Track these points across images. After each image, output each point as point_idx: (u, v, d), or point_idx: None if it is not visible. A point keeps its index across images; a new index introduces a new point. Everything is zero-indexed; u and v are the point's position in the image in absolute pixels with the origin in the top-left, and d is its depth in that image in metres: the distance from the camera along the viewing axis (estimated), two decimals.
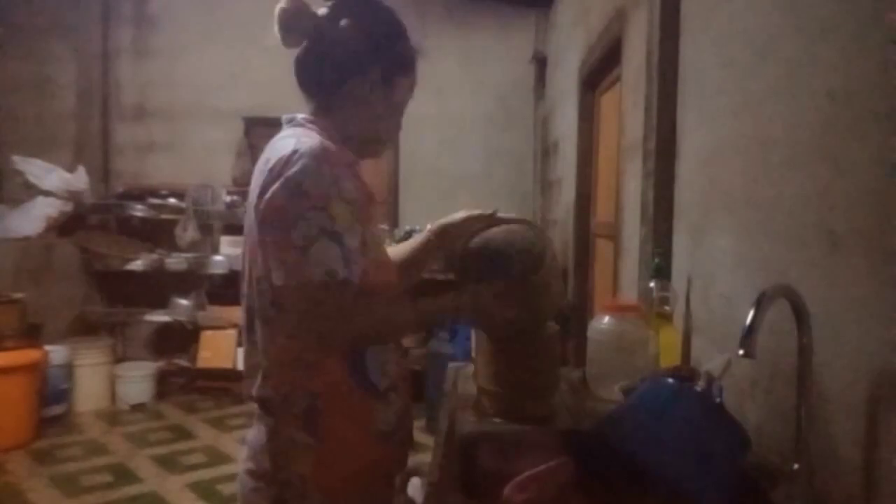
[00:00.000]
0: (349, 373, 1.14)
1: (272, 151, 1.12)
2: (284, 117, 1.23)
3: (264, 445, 1.15)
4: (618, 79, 2.81)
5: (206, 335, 4.74)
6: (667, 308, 1.64)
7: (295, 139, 1.11)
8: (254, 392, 1.17)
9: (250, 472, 1.17)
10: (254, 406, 1.19)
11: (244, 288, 1.19)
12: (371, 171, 5.50)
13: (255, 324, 1.16)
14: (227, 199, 4.99)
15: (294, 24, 1.17)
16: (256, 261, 1.13)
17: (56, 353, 4.17)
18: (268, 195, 1.08)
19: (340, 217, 1.06)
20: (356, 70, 1.19)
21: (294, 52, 1.23)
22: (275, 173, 1.08)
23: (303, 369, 1.13)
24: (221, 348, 4.76)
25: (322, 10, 1.19)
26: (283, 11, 1.16)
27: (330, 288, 1.04)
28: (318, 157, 1.07)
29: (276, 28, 1.17)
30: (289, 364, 1.13)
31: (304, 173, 1.06)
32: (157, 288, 4.92)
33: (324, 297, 1.05)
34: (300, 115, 1.21)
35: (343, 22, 1.18)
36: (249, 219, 1.15)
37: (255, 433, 1.18)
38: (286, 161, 1.07)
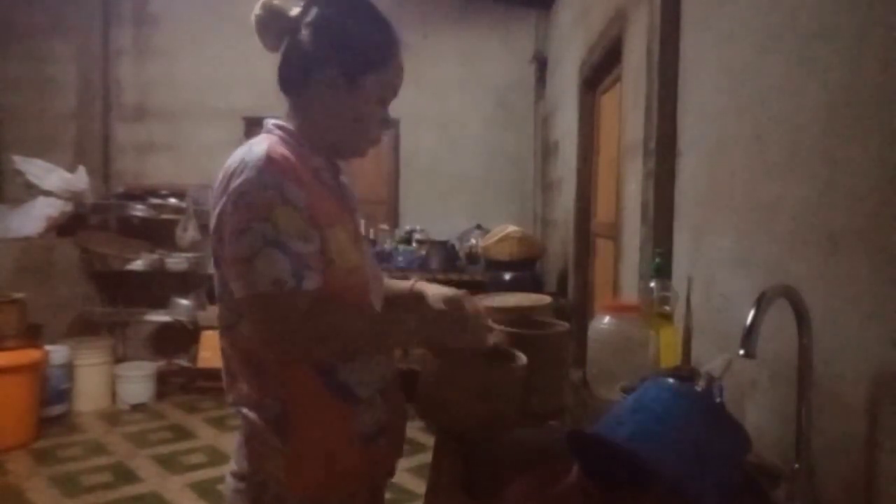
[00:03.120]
0: (321, 380, 1.13)
1: (227, 161, 1.12)
2: (264, 121, 1.22)
3: (242, 447, 1.16)
4: (618, 79, 2.81)
5: (207, 335, 4.74)
6: (667, 308, 1.64)
7: (246, 149, 1.11)
8: (227, 394, 1.18)
9: (233, 473, 1.18)
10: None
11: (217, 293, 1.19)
12: (371, 171, 5.50)
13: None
14: None
15: (268, 28, 1.16)
16: (217, 265, 1.13)
17: (56, 353, 4.17)
18: (217, 209, 1.09)
19: (286, 224, 1.05)
20: (315, 69, 1.15)
21: None
22: (223, 186, 1.08)
23: (270, 376, 1.12)
24: None
25: (295, 11, 1.18)
26: (257, 18, 1.15)
27: (279, 298, 1.03)
28: (261, 167, 1.06)
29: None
30: (256, 370, 1.13)
31: (246, 184, 1.05)
32: (158, 288, 4.92)
33: (274, 308, 1.04)
34: (271, 121, 1.20)
35: (307, 20, 1.16)
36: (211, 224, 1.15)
37: (237, 435, 1.19)
38: (231, 173, 1.08)
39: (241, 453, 1.16)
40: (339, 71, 1.15)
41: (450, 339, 1.20)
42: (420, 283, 1.41)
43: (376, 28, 1.19)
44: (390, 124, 1.25)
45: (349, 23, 1.17)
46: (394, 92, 1.22)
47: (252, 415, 1.13)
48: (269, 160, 1.07)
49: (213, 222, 1.12)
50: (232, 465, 1.19)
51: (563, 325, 1.48)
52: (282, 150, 1.12)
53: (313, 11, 1.16)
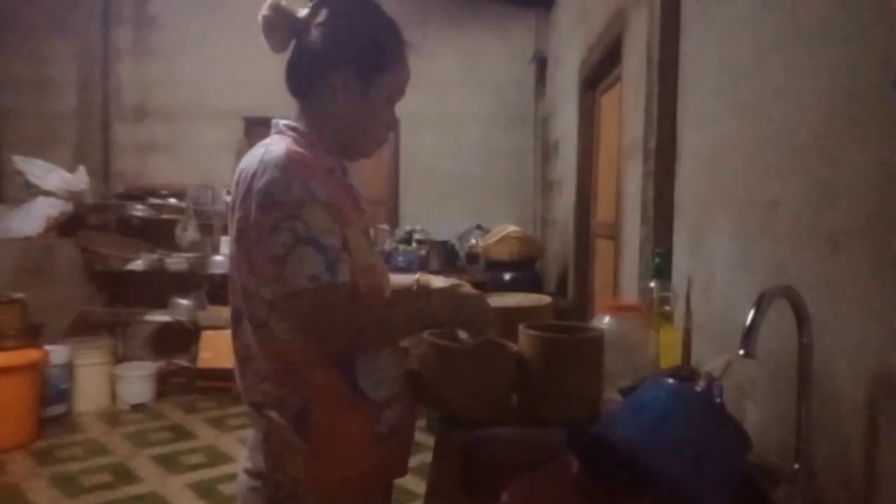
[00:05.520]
0: (342, 381, 1.13)
1: (244, 162, 1.12)
2: (272, 122, 1.23)
3: (260, 446, 1.16)
4: (618, 79, 2.81)
5: (207, 335, 4.74)
6: (667, 308, 1.64)
7: (263, 149, 1.11)
8: (247, 395, 1.18)
9: (248, 471, 1.18)
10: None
11: (230, 293, 1.19)
12: (371, 171, 5.50)
13: (240, 327, 1.17)
14: (227, 199, 4.94)
15: (275, 29, 1.16)
16: (239, 267, 1.13)
17: (56, 353, 4.17)
18: (240, 211, 1.09)
19: (316, 221, 1.06)
20: (326, 70, 1.16)
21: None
22: (244, 187, 1.08)
23: (294, 374, 1.12)
24: (222, 348, 4.76)
25: (303, 12, 1.18)
26: (265, 18, 1.15)
27: (318, 293, 1.04)
28: (284, 166, 1.06)
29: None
30: (281, 369, 1.13)
31: (272, 184, 1.05)
32: (158, 288, 4.92)
33: (314, 303, 1.05)
34: (282, 122, 1.20)
35: (317, 21, 1.17)
36: (231, 226, 1.15)
37: (253, 433, 1.19)
38: (253, 174, 1.08)
39: (257, 452, 1.16)
40: (351, 72, 1.16)
41: (450, 316, 1.23)
42: (425, 276, 1.44)
43: (385, 29, 1.20)
44: (395, 125, 1.27)
45: (360, 24, 1.18)
46: (401, 92, 1.24)
47: (273, 414, 1.13)
48: (290, 159, 1.08)
49: (233, 227, 1.12)
50: (246, 463, 1.18)
51: (598, 330, 1.48)
52: (298, 149, 1.12)
53: (323, 13, 1.17)
